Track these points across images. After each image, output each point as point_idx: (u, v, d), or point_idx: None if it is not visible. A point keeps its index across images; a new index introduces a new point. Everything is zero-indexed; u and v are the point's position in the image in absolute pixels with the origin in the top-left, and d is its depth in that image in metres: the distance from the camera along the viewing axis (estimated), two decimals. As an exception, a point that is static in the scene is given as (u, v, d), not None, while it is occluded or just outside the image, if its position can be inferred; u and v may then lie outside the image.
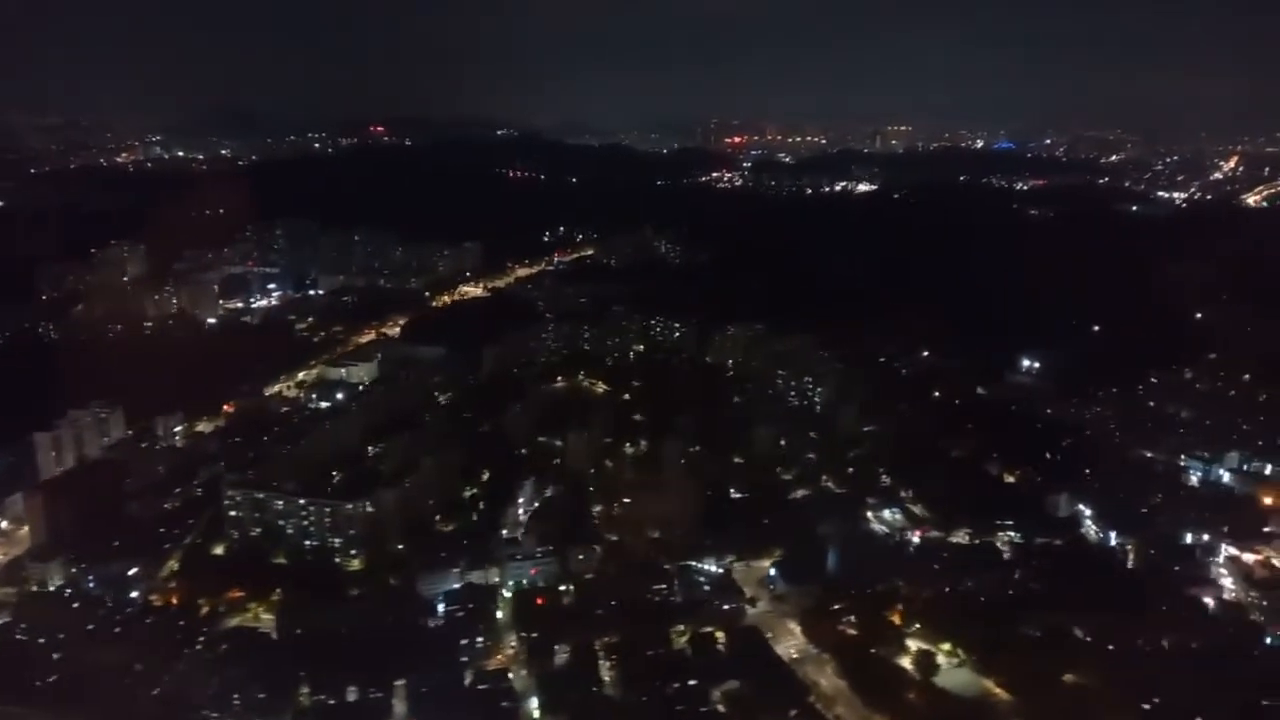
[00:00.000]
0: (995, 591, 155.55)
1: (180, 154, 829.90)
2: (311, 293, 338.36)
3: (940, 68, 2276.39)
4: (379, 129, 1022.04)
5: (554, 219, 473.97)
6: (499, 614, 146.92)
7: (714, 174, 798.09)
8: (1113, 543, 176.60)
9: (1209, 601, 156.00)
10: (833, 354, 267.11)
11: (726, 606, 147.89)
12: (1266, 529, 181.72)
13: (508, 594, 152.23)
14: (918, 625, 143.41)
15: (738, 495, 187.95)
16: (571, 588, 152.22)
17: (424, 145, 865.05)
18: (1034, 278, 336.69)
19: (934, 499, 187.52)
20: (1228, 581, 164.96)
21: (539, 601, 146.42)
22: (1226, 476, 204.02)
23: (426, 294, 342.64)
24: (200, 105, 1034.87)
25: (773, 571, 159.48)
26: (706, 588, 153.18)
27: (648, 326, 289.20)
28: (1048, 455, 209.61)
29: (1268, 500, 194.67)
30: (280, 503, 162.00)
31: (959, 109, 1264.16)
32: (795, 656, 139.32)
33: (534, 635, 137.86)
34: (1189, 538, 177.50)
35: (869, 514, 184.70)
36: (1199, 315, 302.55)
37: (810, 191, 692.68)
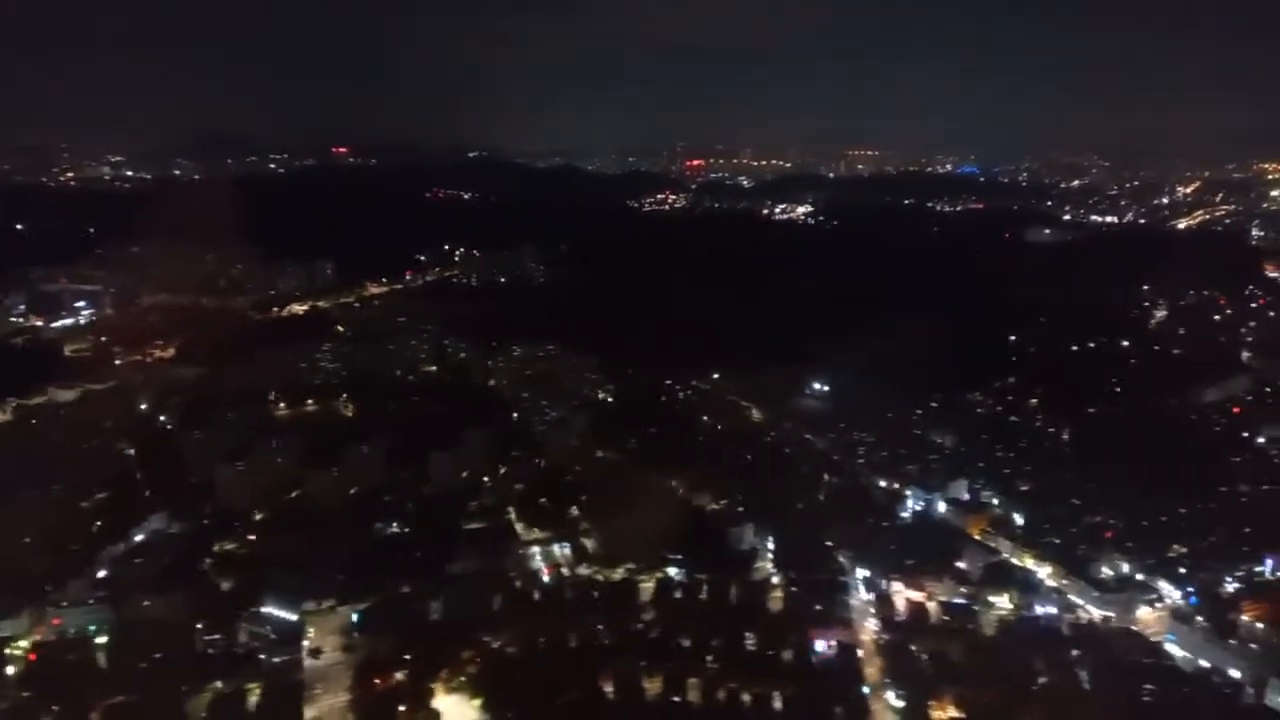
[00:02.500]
0: (602, 637, 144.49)
1: (130, 174, 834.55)
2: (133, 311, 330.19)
3: (931, 96, 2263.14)
4: (342, 150, 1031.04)
5: (446, 237, 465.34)
6: (10, 670, 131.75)
7: (658, 195, 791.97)
8: (775, 579, 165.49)
9: (827, 646, 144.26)
10: (613, 377, 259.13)
11: (278, 659, 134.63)
12: (959, 564, 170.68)
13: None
14: (460, 680, 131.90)
15: (397, 530, 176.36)
16: (108, 639, 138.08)
17: (389, 167, 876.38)
18: (875, 300, 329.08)
19: (612, 533, 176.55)
20: (871, 623, 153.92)
21: (32, 658, 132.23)
22: (943, 508, 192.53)
23: (250, 312, 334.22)
24: (180, 128, 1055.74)
25: (355, 617, 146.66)
26: (272, 637, 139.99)
27: (441, 347, 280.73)
28: (765, 485, 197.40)
29: (974, 534, 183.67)
30: None
31: (942, 135, 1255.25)
32: (322, 717, 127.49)
33: (26, 696, 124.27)
34: (859, 573, 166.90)
35: (533, 549, 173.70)
36: (1013, 338, 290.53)
37: (741, 214, 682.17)
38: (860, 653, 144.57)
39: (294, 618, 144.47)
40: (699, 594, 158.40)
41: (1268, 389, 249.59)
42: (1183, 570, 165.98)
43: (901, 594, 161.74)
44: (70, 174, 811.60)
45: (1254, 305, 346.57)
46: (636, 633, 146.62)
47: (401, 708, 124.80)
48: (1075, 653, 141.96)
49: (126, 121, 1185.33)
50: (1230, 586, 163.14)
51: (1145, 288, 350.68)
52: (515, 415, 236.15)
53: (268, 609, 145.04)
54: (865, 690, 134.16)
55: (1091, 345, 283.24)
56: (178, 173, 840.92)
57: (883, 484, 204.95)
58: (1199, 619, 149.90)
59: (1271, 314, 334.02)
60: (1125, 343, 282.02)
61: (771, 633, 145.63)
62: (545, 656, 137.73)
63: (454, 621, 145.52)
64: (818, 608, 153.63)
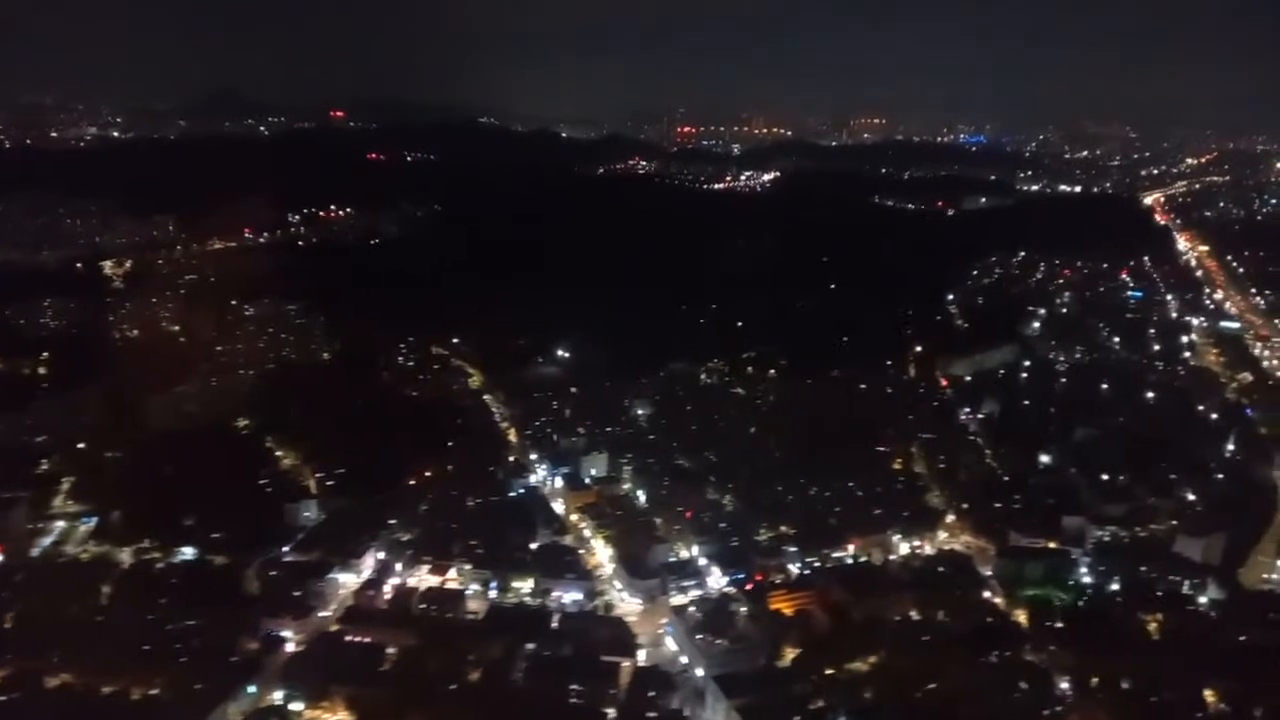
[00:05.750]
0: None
1: (115, 135, 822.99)
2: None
3: (962, 64, 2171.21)
4: (339, 113, 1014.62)
5: (338, 198, 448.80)
6: None
7: (628, 161, 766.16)
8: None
9: (264, 638, 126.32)
10: (348, 339, 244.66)
11: None
12: (530, 545, 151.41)
13: None
14: None
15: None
16: None
17: (381, 130, 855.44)
18: (694, 269, 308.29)
19: (155, 509, 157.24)
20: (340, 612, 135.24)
21: None
22: (559, 482, 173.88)
23: (50, 266, 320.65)
24: (193, 89, 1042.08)
25: None
26: None
27: (188, 306, 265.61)
28: (389, 458, 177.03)
29: (570, 513, 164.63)
30: None
31: (966, 104, 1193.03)
32: None
33: None
34: (379, 555, 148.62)
35: (55, 524, 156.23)
36: (800, 305, 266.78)
37: (692, 181, 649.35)
38: (291, 645, 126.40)
39: None
40: (174, 577, 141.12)
41: (1026, 362, 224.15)
42: (758, 555, 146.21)
43: (417, 579, 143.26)
44: (54, 134, 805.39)
45: (1122, 277, 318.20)
46: (56, 619, 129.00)
47: None
48: (530, 646, 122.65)
49: (151, 79, 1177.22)
50: (803, 572, 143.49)
51: (995, 257, 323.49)
52: (186, 376, 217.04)
53: None
54: (252, 689, 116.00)
55: (874, 315, 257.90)
56: (163, 134, 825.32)
57: (530, 457, 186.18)
58: (692, 610, 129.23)
59: (1132, 285, 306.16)
60: (910, 311, 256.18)
61: (212, 621, 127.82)
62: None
63: None
64: (295, 594, 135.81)
